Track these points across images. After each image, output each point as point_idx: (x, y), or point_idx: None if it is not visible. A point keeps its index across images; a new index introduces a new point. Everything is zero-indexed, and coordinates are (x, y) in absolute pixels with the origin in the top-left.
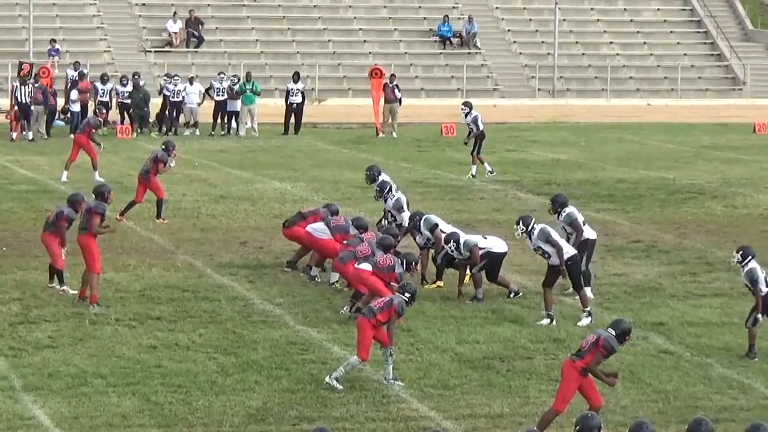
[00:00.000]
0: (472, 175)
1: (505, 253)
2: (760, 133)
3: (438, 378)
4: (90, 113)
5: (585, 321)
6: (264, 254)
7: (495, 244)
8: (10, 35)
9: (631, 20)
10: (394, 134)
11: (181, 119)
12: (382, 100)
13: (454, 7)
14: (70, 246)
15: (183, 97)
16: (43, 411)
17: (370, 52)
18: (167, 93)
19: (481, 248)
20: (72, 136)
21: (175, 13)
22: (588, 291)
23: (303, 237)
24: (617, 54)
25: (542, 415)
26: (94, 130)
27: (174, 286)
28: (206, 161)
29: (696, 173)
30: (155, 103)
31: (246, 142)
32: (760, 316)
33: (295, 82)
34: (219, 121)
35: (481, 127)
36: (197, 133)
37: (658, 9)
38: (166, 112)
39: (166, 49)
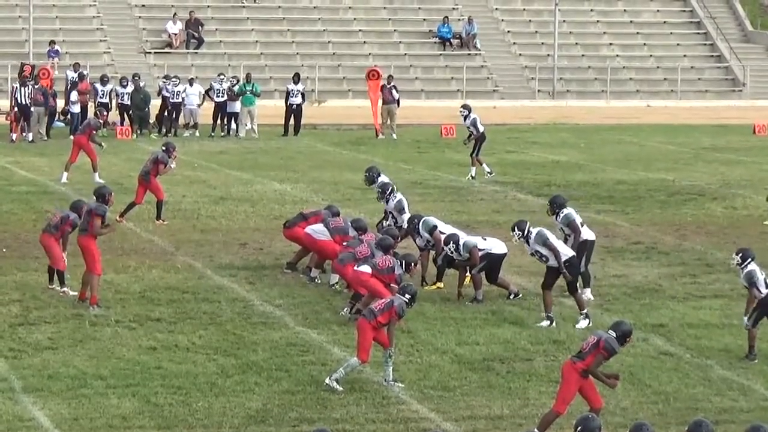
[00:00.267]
0: (471, 176)
1: (505, 254)
2: (759, 135)
3: (438, 379)
4: (90, 114)
5: (583, 323)
6: (264, 255)
7: (494, 245)
8: (10, 36)
9: (631, 21)
10: (394, 135)
11: (181, 120)
12: (380, 102)
13: (453, 8)
14: (71, 248)
15: (183, 98)
16: (42, 412)
17: (369, 54)
18: (166, 94)
19: (480, 249)
20: (72, 137)
21: (175, 14)
22: (588, 292)
23: (303, 238)
24: (617, 55)
25: (542, 416)
26: (94, 132)
27: (174, 288)
28: (206, 162)
29: (696, 175)
30: (155, 105)
31: (246, 143)
32: (745, 318)
33: (295, 83)
34: (219, 122)
35: (481, 129)
36: (197, 134)
37: (657, 10)
38: (166, 113)
39: (166, 50)
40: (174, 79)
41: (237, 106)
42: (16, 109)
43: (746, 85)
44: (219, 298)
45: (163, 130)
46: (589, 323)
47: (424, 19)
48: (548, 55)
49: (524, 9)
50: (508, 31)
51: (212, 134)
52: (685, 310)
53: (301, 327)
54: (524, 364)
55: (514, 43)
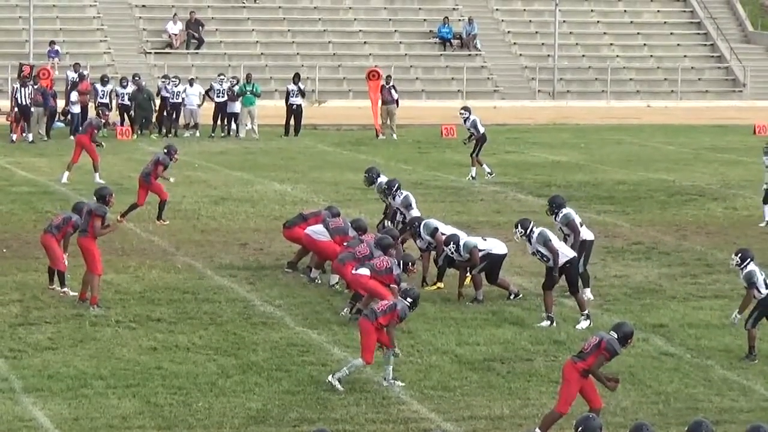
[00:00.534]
0: (472, 177)
1: (505, 254)
2: (760, 135)
3: (438, 380)
4: (91, 115)
5: (583, 324)
6: (264, 256)
7: (495, 245)
8: (10, 37)
9: (632, 22)
10: (394, 136)
11: (181, 121)
12: (380, 102)
13: (454, 9)
14: (71, 248)
15: (183, 98)
16: (43, 412)
17: (370, 54)
18: (165, 94)
19: (480, 250)
20: (72, 137)
21: (175, 14)
22: (587, 292)
23: (303, 238)
24: (617, 56)
25: (544, 417)
26: (96, 131)
27: (174, 288)
28: (206, 163)
29: (696, 175)
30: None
31: (246, 143)
32: (739, 316)
33: (295, 83)
34: (219, 122)
35: (482, 130)
36: (197, 134)
37: (658, 11)
38: (165, 114)
39: (167, 50)
40: (174, 80)
41: (237, 107)
42: (16, 109)
43: (746, 85)
44: (219, 299)
45: (164, 130)
46: (590, 324)
47: (425, 20)
48: (548, 55)
49: (524, 9)
50: (509, 32)
51: (212, 135)
52: (685, 311)
53: (302, 327)
54: (525, 364)
55: (515, 44)
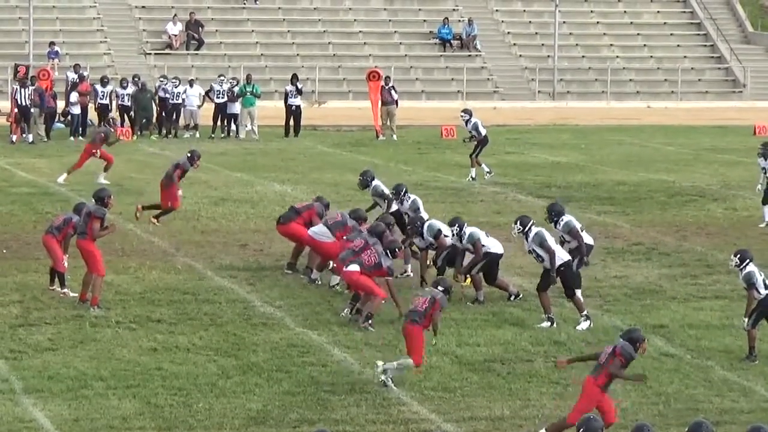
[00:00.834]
0: (471, 177)
1: (502, 254)
2: (760, 136)
3: (438, 381)
4: (90, 115)
5: (584, 325)
6: (264, 257)
7: (493, 244)
8: (9, 38)
9: (631, 22)
10: (395, 137)
11: (181, 122)
12: (380, 103)
13: (454, 10)
14: (71, 249)
15: (183, 99)
16: (43, 413)
17: (370, 55)
18: (165, 95)
19: (482, 245)
20: (72, 138)
21: (175, 15)
22: (578, 293)
23: (297, 233)
24: (617, 56)
25: (553, 423)
26: (106, 140)
27: (174, 289)
28: (206, 164)
29: (696, 176)
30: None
31: (246, 144)
32: (745, 319)
33: (293, 83)
34: (219, 123)
35: (484, 133)
36: (197, 135)
37: (658, 11)
38: (164, 114)
39: (166, 51)
40: (174, 80)
41: (237, 108)
42: (16, 110)
43: (746, 86)
44: (219, 299)
45: (164, 131)
46: (590, 324)
47: (425, 21)
48: (548, 56)
49: (524, 10)
50: (509, 32)
51: (212, 135)
52: (685, 311)
53: (302, 328)
54: (525, 365)
55: (515, 44)
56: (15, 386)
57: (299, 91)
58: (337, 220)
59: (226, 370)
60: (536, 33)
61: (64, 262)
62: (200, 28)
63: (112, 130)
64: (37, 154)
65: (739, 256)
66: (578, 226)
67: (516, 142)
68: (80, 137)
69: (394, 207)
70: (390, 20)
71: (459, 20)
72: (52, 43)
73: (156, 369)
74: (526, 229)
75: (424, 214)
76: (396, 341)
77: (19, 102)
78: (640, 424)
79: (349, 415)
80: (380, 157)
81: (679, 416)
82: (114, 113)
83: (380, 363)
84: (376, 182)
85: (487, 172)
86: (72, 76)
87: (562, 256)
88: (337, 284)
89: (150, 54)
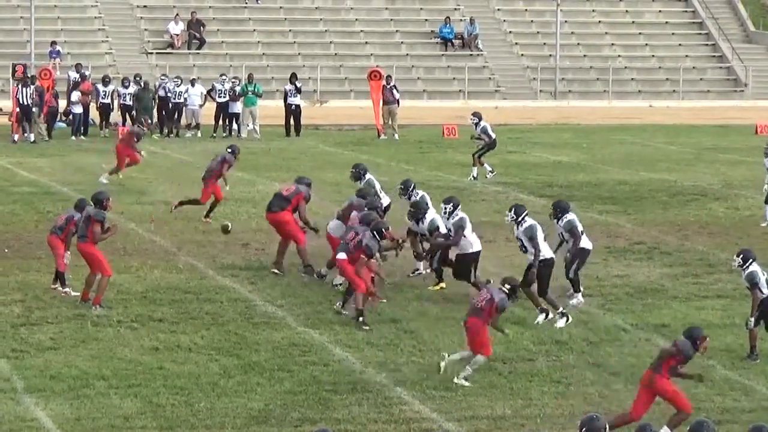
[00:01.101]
0: (473, 177)
1: (479, 251)
2: (762, 135)
3: (440, 380)
4: (92, 115)
5: (561, 322)
6: (266, 256)
7: (475, 241)
8: (11, 37)
9: (633, 22)
10: (396, 136)
11: (183, 121)
12: (381, 102)
13: (455, 9)
14: (71, 249)
15: (185, 98)
16: (45, 413)
17: (371, 54)
18: (167, 94)
19: (463, 235)
20: (74, 138)
21: (176, 14)
22: (579, 296)
23: (285, 221)
24: (619, 56)
25: (617, 416)
26: (135, 140)
27: (176, 288)
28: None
29: (698, 175)
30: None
31: (247, 143)
32: (752, 319)
33: (292, 82)
34: (220, 122)
35: (494, 136)
36: (199, 135)
37: (659, 11)
38: (164, 113)
39: (168, 50)
40: (176, 80)
41: (239, 107)
42: (17, 109)
43: (748, 85)
44: (221, 299)
45: (165, 130)
46: (546, 317)
47: (426, 20)
48: (550, 55)
49: (526, 9)
50: (510, 32)
51: (214, 135)
52: (687, 311)
53: (303, 327)
54: (526, 364)
55: (516, 44)
56: (17, 385)
57: (298, 90)
58: (353, 203)
59: (228, 369)
60: (538, 32)
61: (65, 260)
62: (202, 28)
63: (145, 130)
64: (38, 154)
65: (742, 255)
66: (580, 227)
67: (518, 141)
68: (82, 137)
69: (386, 201)
70: (391, 19)
71: (460, 19)
72: (53, 43)
73: (158, 368)
74: (520, 218)
75: (432, 210)
76: (397, 340)
77: (20, 101)
78: (642, 423)
79: (350, 415)
80: (382, 157)
81: None
82: (116, 112)
83: (455, 379)
84: (369, 176)
85: (489, 171)
86: (73, 75)
87: (546, 253)
88: (340, 284)
89: (152, 53)
